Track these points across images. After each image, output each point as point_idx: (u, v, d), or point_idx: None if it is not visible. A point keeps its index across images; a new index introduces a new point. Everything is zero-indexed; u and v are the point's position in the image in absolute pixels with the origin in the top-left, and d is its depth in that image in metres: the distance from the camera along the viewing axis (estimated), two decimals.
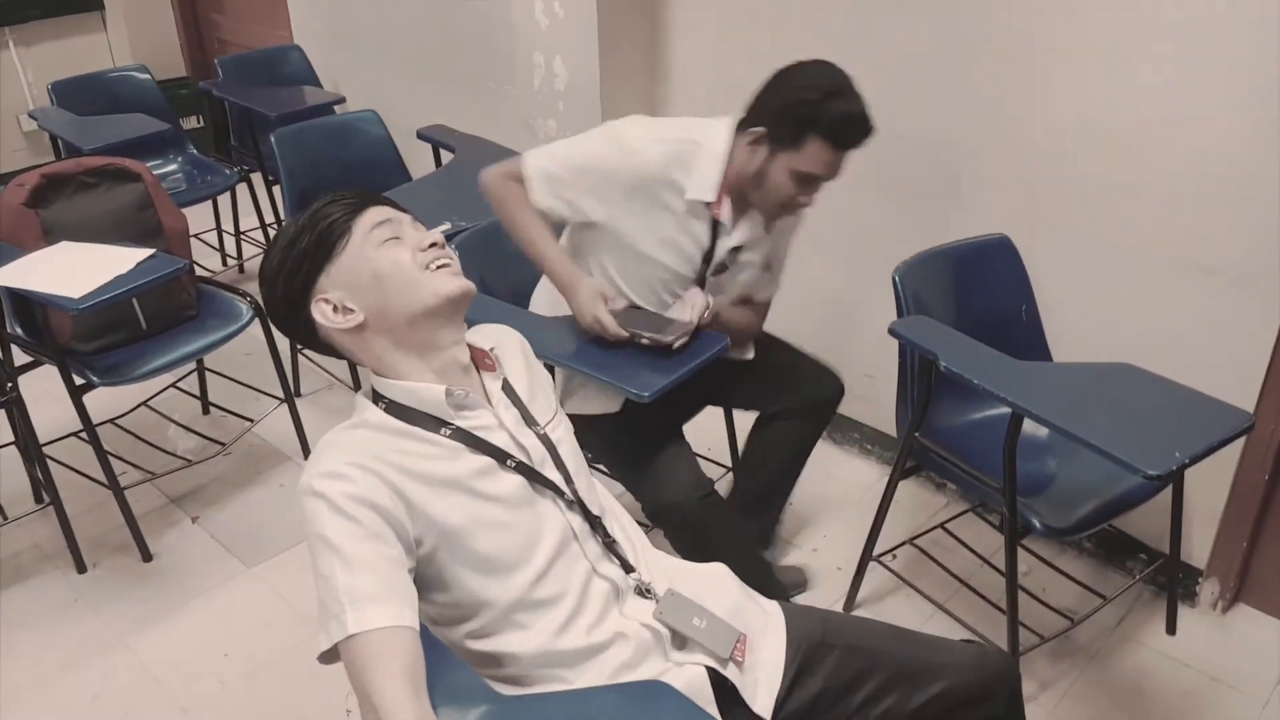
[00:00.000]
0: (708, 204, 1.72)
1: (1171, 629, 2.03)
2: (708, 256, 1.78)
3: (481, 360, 1.23)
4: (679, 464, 1.81)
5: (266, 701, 1.93)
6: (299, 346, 2.87)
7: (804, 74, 1.63)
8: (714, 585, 1.29)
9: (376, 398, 1.15)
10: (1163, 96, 1.79)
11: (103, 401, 2.58)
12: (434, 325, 1.15)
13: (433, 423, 1.13)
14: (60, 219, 2.24)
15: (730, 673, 1.18)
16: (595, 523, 1.20)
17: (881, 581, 2.15)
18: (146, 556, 2.29)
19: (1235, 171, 1.75)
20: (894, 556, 2.20)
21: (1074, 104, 1.91)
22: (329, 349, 1.19)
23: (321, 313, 1.14)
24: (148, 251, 2.08)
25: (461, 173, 2.48)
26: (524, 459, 1.16)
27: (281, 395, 2.56)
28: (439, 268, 1.15)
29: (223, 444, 2.63)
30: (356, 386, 2.86)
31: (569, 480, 1.20)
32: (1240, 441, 1.87)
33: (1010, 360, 1.68)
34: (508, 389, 1.22)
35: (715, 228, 1.75)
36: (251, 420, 2.71)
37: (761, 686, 1.21)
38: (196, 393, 2.81)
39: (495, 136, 2.71)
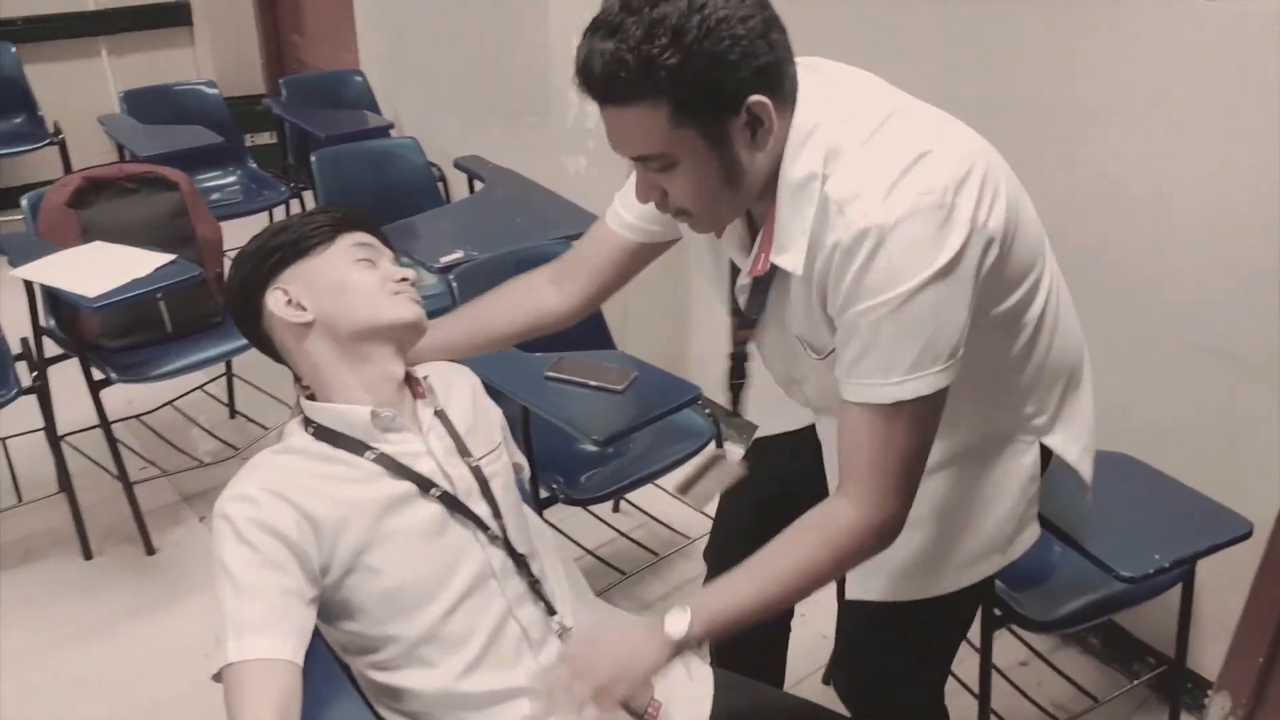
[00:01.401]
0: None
1: None
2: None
3: (414, 386, 1.23)
4: None
5: None
6: None
7: None
8: None
9: (306, 422, 1.16)
10: (1171, 171, 1.69)
11: (136, 397, 2.69)
12: (376, 344, 1.16)
13: (357, 446, 1.13)
14: (98, 220, 2.34)
15: None
16: (520, 561, 1.18)
17: None
18: (150, 550, 2.35)
19: (1250, 250, 1.64)
20: None
21: (1078, 176, 1.81)
22: (266, 345, 1.20)
23: (275, 301, 1.16)
24: (168, 257, 2.16)
25: (485, 204, 2.51)
26: (449, 488, 1.15)
27: None
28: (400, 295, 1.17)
29: (237, 448, 2.70)
30: None
31: (496, 514, 1.18)
32: (1260, 548, 1.75)
33: None
34: (442, 417, 1.21)
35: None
36: (267, 429, 2.77)
37: None
38: (225, 398, 2.89)
39: (528, 170, 2.74)
